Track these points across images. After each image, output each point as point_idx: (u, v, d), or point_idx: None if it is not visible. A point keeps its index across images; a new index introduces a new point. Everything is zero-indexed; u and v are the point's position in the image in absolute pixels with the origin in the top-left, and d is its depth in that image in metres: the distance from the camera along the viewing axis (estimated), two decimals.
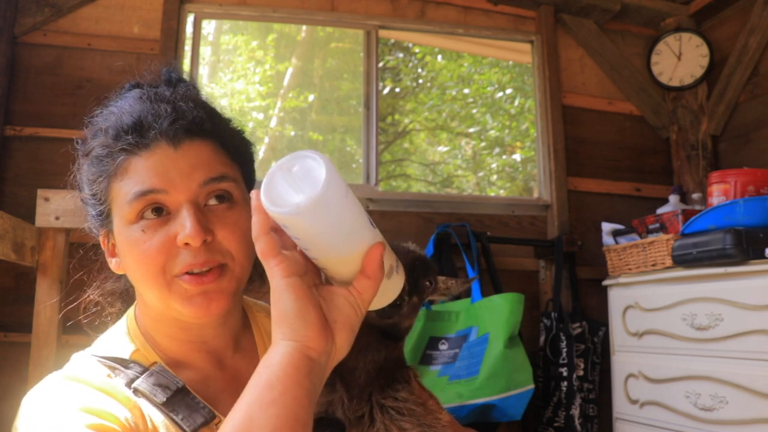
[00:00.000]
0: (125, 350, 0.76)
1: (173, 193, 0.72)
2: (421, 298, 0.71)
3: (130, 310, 0.83)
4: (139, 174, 0.73)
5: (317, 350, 0.57)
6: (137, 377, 0.72)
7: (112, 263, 0.81)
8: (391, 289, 0.65)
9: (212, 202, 0.75)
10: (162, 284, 0.72)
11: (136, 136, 0.73)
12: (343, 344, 0.59)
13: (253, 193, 0.58)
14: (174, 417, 0.70)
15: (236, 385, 0.80)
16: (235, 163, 0.81)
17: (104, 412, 0.65)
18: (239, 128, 0.85)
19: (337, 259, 0.59)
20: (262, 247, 0.57)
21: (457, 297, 0.81)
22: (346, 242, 0.57)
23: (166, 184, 0.72)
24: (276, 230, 0.58)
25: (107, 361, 0.73)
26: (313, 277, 0.61)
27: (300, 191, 0.53)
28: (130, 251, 0.74)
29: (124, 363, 0.74)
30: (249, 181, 0.85)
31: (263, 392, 0.54)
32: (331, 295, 0.59)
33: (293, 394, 0.54)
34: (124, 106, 0.77)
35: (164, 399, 0.71)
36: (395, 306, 0.67)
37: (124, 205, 0.73)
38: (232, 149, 0.81)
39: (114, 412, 0.66)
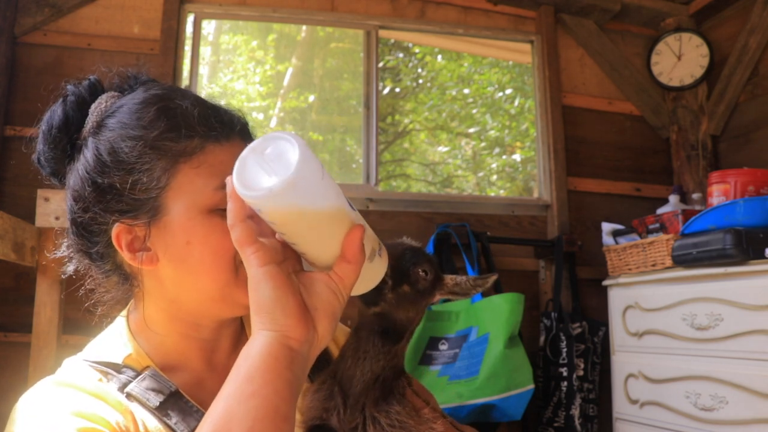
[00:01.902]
0: (118, 355, 0.75)
1: None
2: (414, 287, 0.70)
3: (122, 314, 0.81)
4: (224, 163, 0.72)
5: (298, 339, 0.56)
6: (130, 381, 0.71)
7: (138, 257, 0.72)
8: (373, 273, 0.64)
9: None
10: (231, 270, 0.71)
11: (222, 125, 0.74)
12: (325, 332, 0.58)
13: (228, 180, 0.57)
14: (167, 421, 0.70)
15: None
16: None
17: (96, 416, 0.65)
18: None
19: (315, 243, 0.58)
20: (237, 235, 0.56)
21: (467, 295, 0.79)
22: (323, 225, 0.56)
23: None
24: (253, 217, 0.57)
25: (99, 366, 0.72)
26: (293, 263, 0.60)
27: (273, 173, 0.52)
28: (206, 237, 0.71)
29: (116, 367, 0.73)
30: None
31: (242, 385, 0.53)
32: (311, 281, 0.59)
33: (274, 387, 0.53)
34: (188, 97, 0.76)
35: (157, 403, 0.70)
36: (377, 289, 0.66)
37: (204, 191, 0.71)
38: None
39: (105, 416, 0.65)
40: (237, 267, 0.72)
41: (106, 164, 0.71)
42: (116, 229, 0.72)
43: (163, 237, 0.72)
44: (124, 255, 0.73)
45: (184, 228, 0.71)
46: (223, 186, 0.70)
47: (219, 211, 0.71)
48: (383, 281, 0.66)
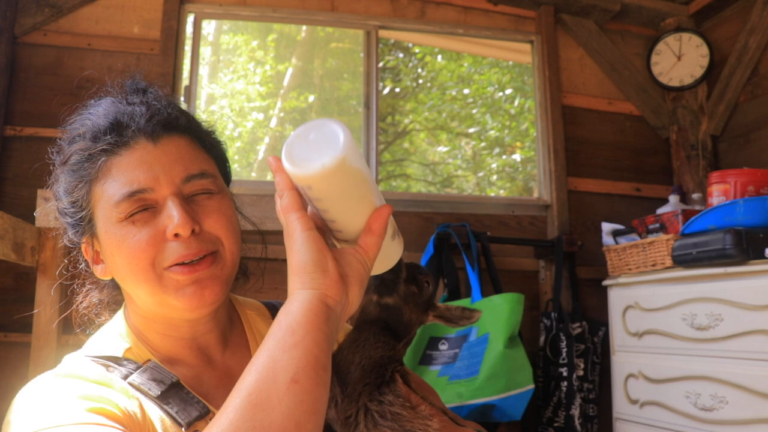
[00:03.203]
0: (118, 349, 0.76)
1: (158, 189, 0.74)
2: (420, 289, 0.75)
3: (121, 311, 0.83)
4: (123, 173, 0.74)
5: (335, 299, 0.60)
6: (131, 373, 0.72)
7: (98, 270, 0.80)
8: (392, 252, 0.70)
9: (194, 194, 0.78)
10: (152, 278, 0.73)
11: (115, 135, 0.75)
12: (354, 297, 0.62)
13: (271, 158, 0.61)
14: (169, 410, 0.71)
15: (228, 381, 0.80)
16: (211, 157, 0.83)
17: (103, 398, 0.66)
18: (210, 128, 0.88)
19: (352, 217, 0.63)
20: (287, 201, 0.60)
21: (454, 323, 0.84)
22: (362, 201, 0.61)
23: (151, 182, 0.74)
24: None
25: (101, 360, 0.73)
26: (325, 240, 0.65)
27: (323, 153, 0.57)
28: (119, 248, 0.74)
29: (117, 361, 0.74)
30: (225, 176, 0.87)
31: (285, 336, 0.57)
32: (341, 254, 0.63)
33: (314, 338, 0.57)
34: (98, 111, 0.78)
35: (158, 393, 0.71)
36: (392, 280, 0.71)
37: (110, 206, 0.74)
38: (207, 144, 0.83)
39: (113, 399, 0.66)
40: (159, 274, 0.73)
41: (58, 192, 0.81)
42: (82, 247, 0.81)
43: (102, 250, 0.78)
44: (91, 268, 0.81)
45: (106, 241, 0.76)
46: (121, 198, 0.73)
47: (129, 219, 0.74)
48: (399, 267, 0.72)
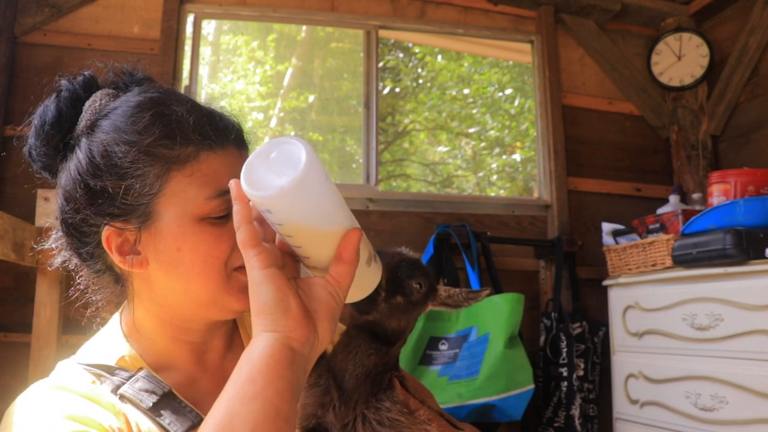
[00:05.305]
0: (111, 357, 0.75)
1: None
2: (407, 299, 0.70)
3: (116, 316, 0.81)
4: (217, 172, 0.72)
5: (299, 340, 0.56)
6: (123, 383, 0.71)
7: (127, 260, 0.72)
8: (368, 279, 0.65)
9: None
10: (222, 278, 0.72)
11: (216, 133, 0.73)
12: (325, 334, 0.59)
13: (232, 182, 0.57)
14: (161, 422, 0.69)
15: (224, 386, 0.80)
16: None
17: (88, 418, 0.65)
18: None
19: (319, 245, 0.59)
20: (243, 236, 0.56)
21: (459, 307, 0.79)
22: (328, 225, 0.57)
23: None
24: (258, 220, 0.58)
25: (92, 369, 0.72)
26: (291, 270, 0.61)
27: (282, 174, 0.53)
28: (196, 244, 0.71)
29: (109, 370, 0.73)
30: None
31: (245, 386, 0.54)
32: (309, 285, 0.59)
33: (275, 388, 0.54)
34: (184, 103, 0.74)
35: (150, 404, 0.70)
36: (370, 298, 0.66)
37: (196, 200, 0.70)
38: None
39: (98, 419, 0.66)
40: (228, 274, 0.72)
41: (99, 167, 0.71)
42: (106, 232, 0.72)
43: (154, 242, 0.72)
44: (114, 258, 0.73)
45: (175, 235, 0.71)
46: (215, 195, 0.70)
47: (210, 219, 0.71)
48: (377, 291, 0.67)
